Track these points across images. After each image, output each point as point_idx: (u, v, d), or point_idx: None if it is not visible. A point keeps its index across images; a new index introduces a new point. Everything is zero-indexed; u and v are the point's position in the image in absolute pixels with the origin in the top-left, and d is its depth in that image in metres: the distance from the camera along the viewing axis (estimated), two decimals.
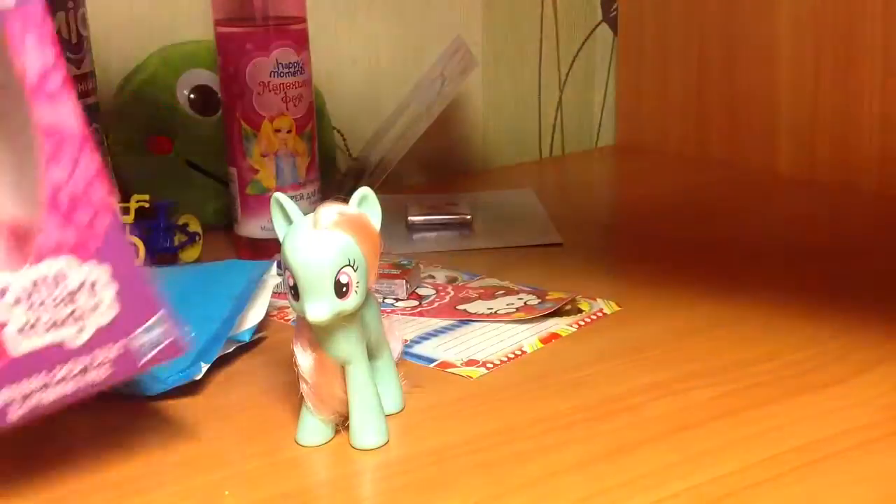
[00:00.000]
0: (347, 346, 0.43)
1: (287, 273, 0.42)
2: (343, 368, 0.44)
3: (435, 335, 0.56)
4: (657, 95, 1.00)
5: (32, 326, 0.39)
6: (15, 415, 0.39)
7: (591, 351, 0.54)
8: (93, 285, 0.40)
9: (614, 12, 1.04)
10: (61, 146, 0.39)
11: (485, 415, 0.47)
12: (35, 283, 0.39)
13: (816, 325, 0.56)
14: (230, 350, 0.53)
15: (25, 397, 0.39)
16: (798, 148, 0.88)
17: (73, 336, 0.40)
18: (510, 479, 0.42)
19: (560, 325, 0.57)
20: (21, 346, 0.39)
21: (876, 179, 0.83)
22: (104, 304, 0.40)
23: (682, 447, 0.44)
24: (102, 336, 0.40)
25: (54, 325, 0.39)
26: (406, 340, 0.55)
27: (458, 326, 0.57)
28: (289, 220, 0.43)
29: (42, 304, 0.39)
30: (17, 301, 0.38)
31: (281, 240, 0.43)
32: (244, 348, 0.54)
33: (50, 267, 0.39)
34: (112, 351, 0.41)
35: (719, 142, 0.95)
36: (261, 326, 0.56)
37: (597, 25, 1.05)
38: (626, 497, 0.40)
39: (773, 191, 0.86)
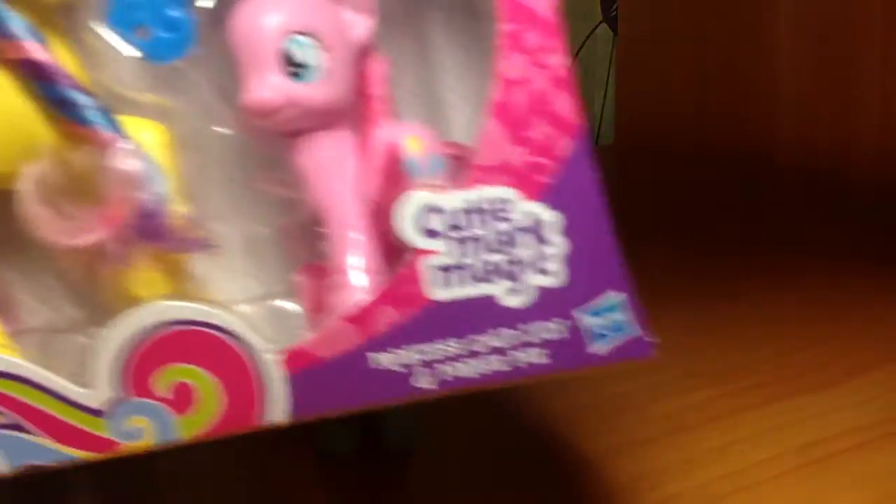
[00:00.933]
0: None
1: None
2: None
3: None
4: (657, 95, 1.00)
5: (460, 267, 0.30)
6: (421, 382, 0.30)
7: None
8: (537, 232, 0.31)
9: (614, 12, 1.04)
10: (526, 30, 0.30)
11: (485, 416, 0.47)
12: (467, 212, 0.30)
13: (817, 325, 0.56)
14: None
15: (437, 363, 0.30)
16: (799, 147, 0.88)
17: (506, 294, 0.30)
18: (511, 479, 0.42)
19: None
20: (444, 289, 0.30)
21: (877, 177, 0.83)
22: (549, 262, 0.31)
23: (682, 447, 0.44)
24: (543, 303, 0.31)
25: (486, 272, 0.30)
26: None
27: None
28: None
29: (475, 240, 0.30)
30: (446, 229, 0.30)
31: None
32: None
33: (487, 194, 0.30)
34: (552, 327, 0.31)
35: (719, 141, 0.95)
36: None
37: (597, 25, 1.05)
38: (626, 497, 0.40)
39: (774, 190, 0.86)
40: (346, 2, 0.33)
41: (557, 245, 0.31)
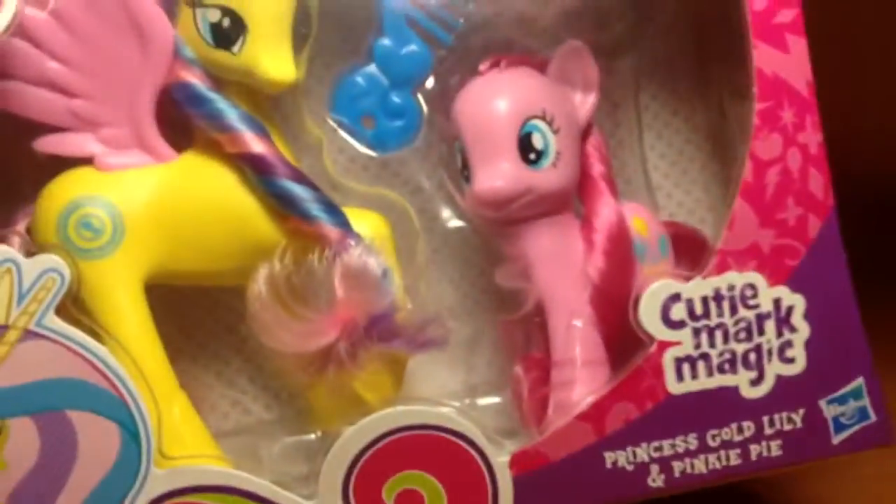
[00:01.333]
0: None
1: None
2: None
3: None
4: None
5: (702, 358, 0.29)
6: (655, 480, 0.29)
7: None
8: (781, 318, 0.29)
9: None
10: (781, 108, 0.30)
11: None
12: (712, 300, 0.29)
13: None
14: None
15: (673, 460, 0.29)
16: None
17: (747, 384, 0.29)
18: None
19: None
20: (685, 382, 0.29)
21: (875, 189, 0.82)
22: (792, 349, 0.29)
23: None
24: (784, 393, 0.29)
25: (728, 362, 0.29)
26: None
27: None
28: None
29: (719, 329, 0.29)
30: (690, 318, 0.29)
31: None
32: None
33: (734, 280, 0.29)
34: (791, 418, 0.30)
35: None
36: None
37: None
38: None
39: None
40: (569, 80, 0.31)
41: (801, 331, 0.29)
